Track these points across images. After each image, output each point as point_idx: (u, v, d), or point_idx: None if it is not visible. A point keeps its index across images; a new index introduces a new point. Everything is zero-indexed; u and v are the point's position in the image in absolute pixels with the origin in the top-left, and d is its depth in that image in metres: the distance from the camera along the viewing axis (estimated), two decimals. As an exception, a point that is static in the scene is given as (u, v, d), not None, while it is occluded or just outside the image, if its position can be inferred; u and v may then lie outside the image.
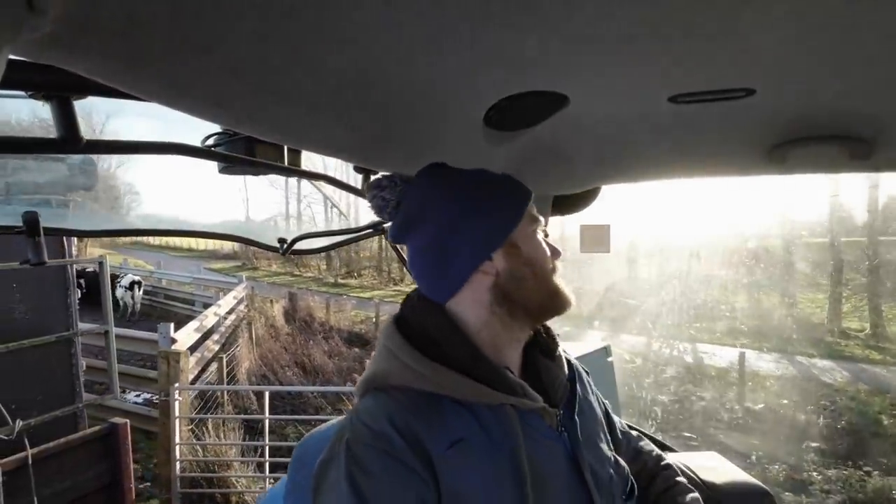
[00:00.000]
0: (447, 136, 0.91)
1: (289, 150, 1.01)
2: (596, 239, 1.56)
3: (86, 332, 4.16)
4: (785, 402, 8.90)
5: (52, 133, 0.63)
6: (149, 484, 5.45)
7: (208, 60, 0.55)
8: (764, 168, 1.13)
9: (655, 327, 11.83)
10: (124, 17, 0.44)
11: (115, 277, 13.00)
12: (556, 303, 0.82)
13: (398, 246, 1.34)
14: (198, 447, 5.16)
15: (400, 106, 0.77)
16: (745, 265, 13.56)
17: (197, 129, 0.92)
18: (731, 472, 1.15)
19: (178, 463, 4.75)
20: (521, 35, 0.55)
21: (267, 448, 5.10)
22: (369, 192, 0.87)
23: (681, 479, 0.97)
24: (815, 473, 6.85)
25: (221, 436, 5.40)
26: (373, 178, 0.95)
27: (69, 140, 0.62)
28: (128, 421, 3.70)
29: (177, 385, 4.80)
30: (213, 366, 7.60)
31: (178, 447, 4.75)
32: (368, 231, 1.35)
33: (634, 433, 1.06)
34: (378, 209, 0.87)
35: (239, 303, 10.95)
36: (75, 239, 4.54)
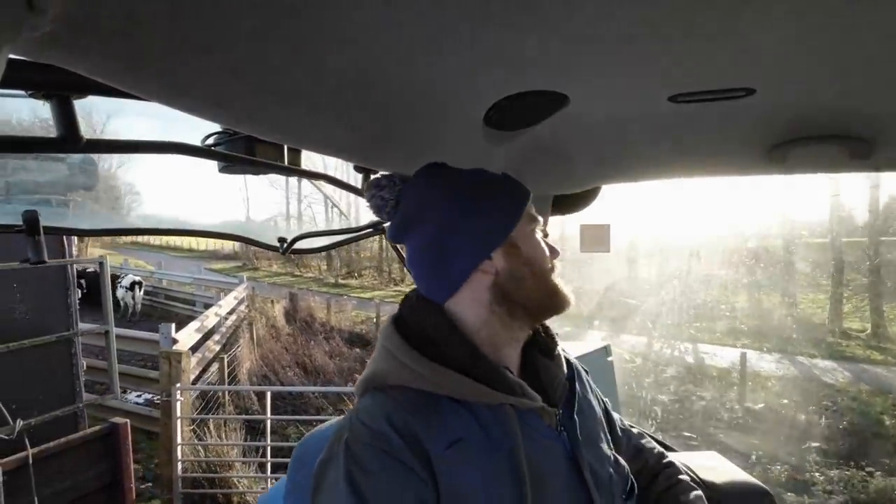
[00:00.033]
0: (447, 135, 0.91)
1: (289, 149, 1.01)
2: (596, 238, 1.55)
3: (86, 332, 4.17)
4: (787, 402, 8.89)
5: (53, 132, 0.63)
6: (150, 484, 5.45)
7: (208, 60, 0.55)
8: (764, 168, 1.13)
9: (655, 327, 11.82)
10: (124, 17, 0.44)
11: (115, 278, 13.01)
12: (555, 302, 0.83)
13: (398, 246, 1.35)
14: (199, 447, 5.16)
15: (400, 106, 0.77)
16: (746, 265, 13.55)
17: (197, 129, 0.92)
18: (730, 471, 1.15)
19: (179, 463, 4.76)
20: (521, 35, 0.55)
21: (269, 448, 5.11)
22: (368, 191, 0.87)
23: (683, 476, 0.96)
24: (817, 474, 6.85)
25: (223, 436, 5.40)
26: (372, 177, 0.95)
27: (69, 139, 0.63)
28: (128, 421, 3.70)
29: (178, 385, 4.80)
30: (215, 366, 7.61)
31: (179, 447, 4.75)
32: (368, 231, 1.35)
33: (635, 431, 1.05)
34: (377, 209, 0.87)
35: (240, 303, 10.96)
36: (76, 239, 4.54)
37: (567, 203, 1.44)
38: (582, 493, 0.77)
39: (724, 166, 1.20)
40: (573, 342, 2.21)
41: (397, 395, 0.75)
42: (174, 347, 5.50)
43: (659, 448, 1.04)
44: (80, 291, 4.29)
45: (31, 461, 2.94)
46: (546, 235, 0.86)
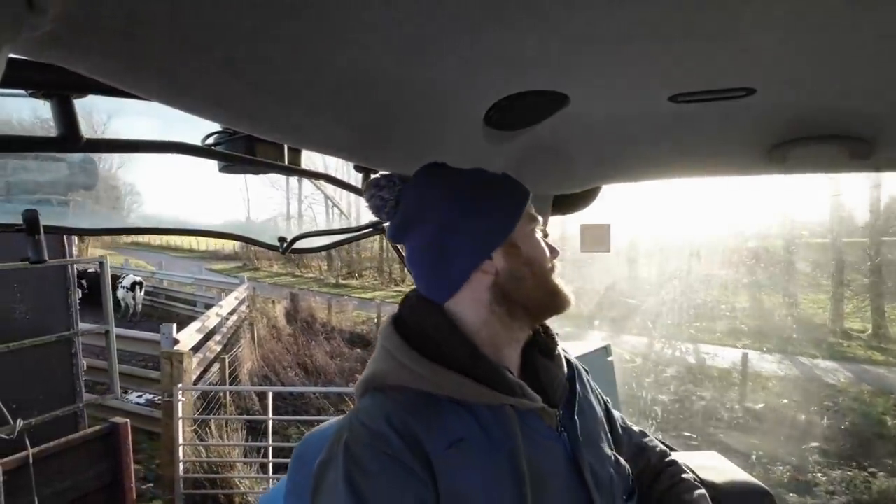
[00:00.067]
0: (447, 135, 0.91)
1: (289, 149, 1.01)
2: (596, 238, 1.55)
3: (86, 331, 4.17)
4: (788, 403, 8.88)
5: (53, 132, 0.63)
6: (151, 485, 5.45)
7: (208, 59, 0.55)
8: (764, 168, 1.13)
9: (656, 327, 11.81)
10: (124, 16, 0.44)
11: (116, 278, 13.03)
12: (555, 302, 0.82)
13: (398, 246, 1.34)
14: (201, 448, 5.16)
15: (400, 106, 0.78)
16: (746, 265, 13.54)
17: (197, 129, 0.92)
18: (731, 471, 1.15)
19: (181, 464, 4.75)
20: (521, 35, 0.55)
21: (270, 449, 5.11)
22: (367, 191, 0.87)
23: (686, 475, 0.96)
24: (819, 475, 6.83)
25: (224, 437, 5.40)
26: (372, 177, 0.95)
27: (69, 138, 0.63)
28: (128, 420, 3.71)
29: (180, 386, 4.80)
30: (216, 366, 7.61)
31: (181, 448, 4.75)
32: (368, 230, 1.35)
33: (637, 430, 1.05)
34: (376, 209, 0.87)
35: (240, 303, 10.96)
36: (76, 239, 4.55)
37: (567, 203, 1.44)
38: (582, 493, 0.77)
39: (724, 166, 1.20)
40: (574, 342, 2.21)
41: (397, 396, 0.75)
42: (175, 348, 5.50)
43: (661, 446, 1.03)
44: (80, 292, 4.29)
45: (31, 461, 2.95)
46: (546, 235, 0.86)
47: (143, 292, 14.06)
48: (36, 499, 2.95)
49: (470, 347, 0.77)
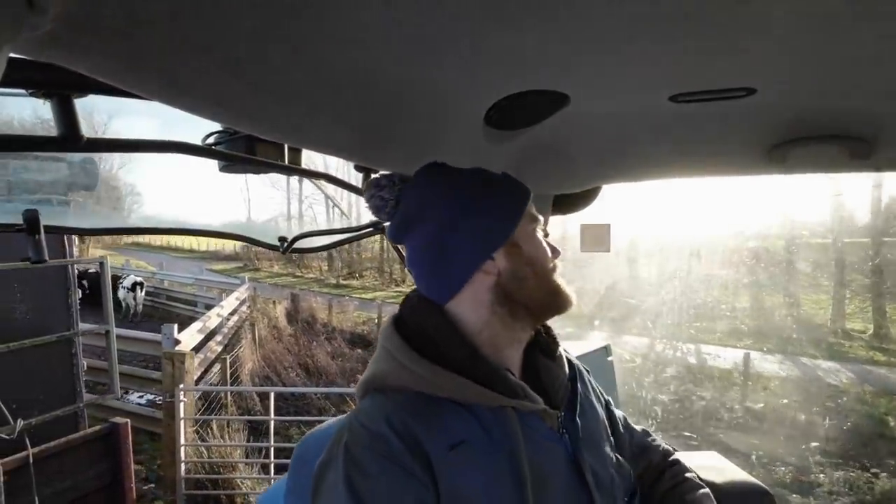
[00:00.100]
0: (448, 135, 0.91)
1: (289, 148, 1.01)
2: (596, 238, 1.55)
3: (86, 331, 4.17)
4: (790, 403, 8.87)
5: (54, 132, 0.63)
6: (153, 485, 5.44)
7: (208, 59, 0.55)
8: (764, 168, 1.13)
9: (656, 327, 11.80)
10: (124, 16, 0.44)
11: (117, 278, 13.03)
12: (557, 302, 0.82)
13: (398, 246, 1.34)
14: (202, 448, 5.16)
15: (400, 105, 0.77)
16: (747, 265, 13.52)
17: (198, 128, 0.92)
18: (731, 471, 1.15)
19: (183, 464, 4.75)
20: (521, 35, 0.55)
21: (272, 449, 5.10)
22: (367, 191, 0.87)
23: (690, 474, 0.96)
24: (821, 475, 6.82)
25: (226, 437, 5.40)
26: (372, 177, 0.95)
27: (70, 138, 0.63)
28: (128, 420, 3.71)
29: (182, 386, 4.79)
30: (217, 367, 7.61)
31: (183, 448, 4.75)
32: (368, 230, 1.35)
33: (640, 429, 1.04)
34: (376, 209, 0.87)
35: (241, 304, 10.96)
36: (76, 240, 4.55)
37: (567, 203, 1.44)
38: (583, 495, 0.77)
39: (724, 166, 1.20)
40: (574, 342, 2.21)
41: (397, 397, 0.74)
42: (177, 348, 5.50)
43: (665, 446, 1.03)
44: (81, 292, 4.29)
45: (31, 461, 2.95)
46: (546, 235, 0.86)
47: (143, 293, 14.05)
48: (36, 499, 2.95)
49: (470, 348, 0.77)
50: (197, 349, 6.96)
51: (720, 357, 10.68)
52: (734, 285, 13.60)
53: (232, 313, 9.95)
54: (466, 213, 0.78)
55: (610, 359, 2.22)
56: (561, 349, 0.88)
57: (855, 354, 11.30)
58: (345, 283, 23.00)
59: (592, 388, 0.95)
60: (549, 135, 0.96)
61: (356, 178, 1.17)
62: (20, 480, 2.91)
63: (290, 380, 9.31)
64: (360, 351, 11.20)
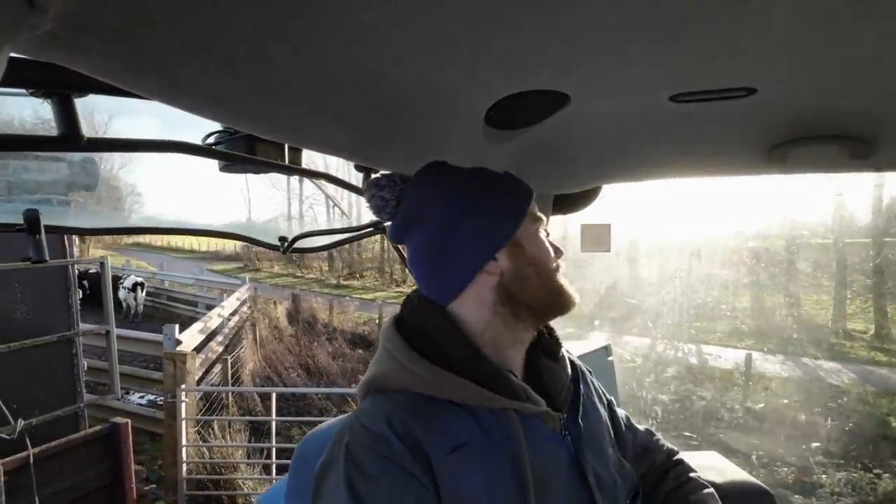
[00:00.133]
0: (448, 135, 0.91)
1: (289, 148, 1.01)
2: (597, 238, 1.55)
3: (87, 331, 4.18)
4: (791, 403, 8.85)
5: (54, 132, 0.63)
6: (154, 486, 5.44)
7: (208, 59, 0.55)
8: (764, 168, 1.13)
9: (656, 327, 11.79)
10: (125, 16, 0.44)
11: (117, 279, 13.03)
12: (560, 302, 0.82)
13: (399, 246, 1.35)
14: (204, 449, 5.16)
15: (401, 105, 0.77)
16: (747, 265, 13.51)
17: (198, 128, 0.93)
18: (731, 471, 1.15)
19: (184, 465, 4.75)
20: (521, 34, 0.55)
21: (273, 450, 5.10)
22: (368, 191, 0.87)
23: (694, 474, 0.95)
24: (824, 476, 6.80)
25: (227, 437, 5.40)
26: (372, 177, 0.95)
27: (70, 138, 0.63)
28: (129, 420, 3.71)
29: (183, 386, 4.79)
30: (217, 367, 7.62)
31: (184, 449, 4.75)
32: (369, 230, 1.35)
33: (643, 429, 1.04)
34: (377, 209, 0.86)
35: (242, 304, 10.97)
36: (77, 240, 4.55)
37: (568, 202, 1.44)
38: (585, 496, 0.77)
39: (724, 166, 1.20)
40: (575, 342, 2.20)
41: (398, 398, 0.74)
42: (178, 349, 5.50)
43: (668, 445, 1.02)
44: (81, 292, 4.30)
45: (32, 461, 2.95)
46: (548, 235, 0.86)
47: (144, 293, 14.06)
48: (36, 499, 2.95)
49: (472, 349, 0.76)
50: (198, 349, 6.97)
51: (721, 357, 10.67)
52: (735, 285, 13.58)
53: (233, 314, 9.96)
54: (466, 212, 0.78)
55: (610, 359, 2.21)
56: (563, 350, 0.88)
57: (856, 355, 11.28)
58: (345, 283, 22.99)
59: (595, 388, 0.95)
60: (549, 135, 0.96)
61: (356, 178, 1.17)
62: (20, 480, 2.92)
63: (291, 380, 9.31)
64: (360, 351, 11.20)
